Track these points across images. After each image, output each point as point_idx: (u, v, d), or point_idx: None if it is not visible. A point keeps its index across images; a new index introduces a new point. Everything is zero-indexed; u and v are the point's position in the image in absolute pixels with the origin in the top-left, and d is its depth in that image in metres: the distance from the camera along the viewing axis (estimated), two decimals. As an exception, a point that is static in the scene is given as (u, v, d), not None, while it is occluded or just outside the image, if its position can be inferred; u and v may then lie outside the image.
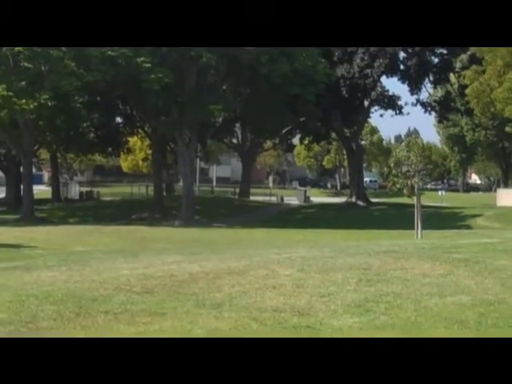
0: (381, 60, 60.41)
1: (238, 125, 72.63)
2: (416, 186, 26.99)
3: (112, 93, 53.08)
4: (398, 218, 46.21)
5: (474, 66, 53.72)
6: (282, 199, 77.15)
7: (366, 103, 67.40)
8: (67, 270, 13.19)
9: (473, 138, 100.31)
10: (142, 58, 42.90)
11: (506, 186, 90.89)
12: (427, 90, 72.58)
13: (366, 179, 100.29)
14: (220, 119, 62.20)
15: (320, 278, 11.10)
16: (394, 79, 65.75)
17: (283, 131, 68.75)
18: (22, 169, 54.49)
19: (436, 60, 66.70)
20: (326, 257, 14.11)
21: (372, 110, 70.92)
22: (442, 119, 79.48)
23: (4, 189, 73.36)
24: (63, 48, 42.92)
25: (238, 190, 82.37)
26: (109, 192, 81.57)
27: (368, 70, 60.64)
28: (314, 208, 68.50)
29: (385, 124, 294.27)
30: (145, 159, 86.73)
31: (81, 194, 77.98)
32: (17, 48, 41.91)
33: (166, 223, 46.55)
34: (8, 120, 46.82)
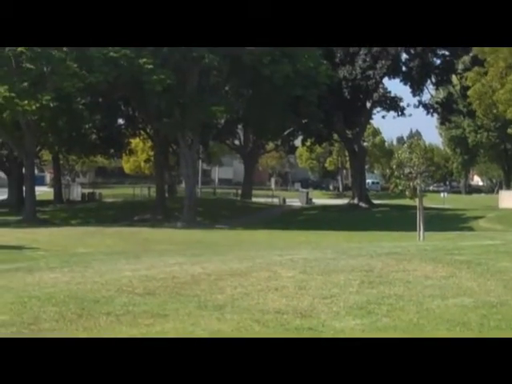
0: (383, 61, 60.41)
1: (240, 126, 72.65)
2: (418, 188, 26.98)
3: (114, 94, 53.13)
4: (400, 220, 46.25)
5: (476, 68, 53.69)
6: (284, 201, 77.13)
7: (368, 105, 67.40)
8: (69, 271, 13.19)
9: (475, 139, 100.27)
10: (144, 60, 42.92)
11: (509, 187, 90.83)
12: (429, 92, 72.61)
13: (368, 181, 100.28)
14: (222, 120, 62.23)
15: (322, 280, 11.10)
16: (396, 81, 65.79)
17: (285, 133, 68.72)
18: (24, 170, 54.53)
19: (438, 61, 66.72)
20: (329, 258, 14.10)
21: (374, 111, 70.96)
22: (444, 121, 79.40)
23: (6, 190, 73.38)
24: (65, 49, 42.97)
25: (240, 192, 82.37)
26: (111, 193, 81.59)
27: (370, 72, 60.64)
28: (316, 210, 68.49)
29: (387, 125, 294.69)
30: (147, 161, 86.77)
31: (83, 195, 78.02)
32: (19, 49, 41.94)
33: (168, 225, 46.54)
34: (10, 121, 46.87)
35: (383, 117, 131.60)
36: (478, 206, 68.14)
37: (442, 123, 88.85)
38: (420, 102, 68.41)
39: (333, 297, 9.70)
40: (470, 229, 44.37)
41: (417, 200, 27.44)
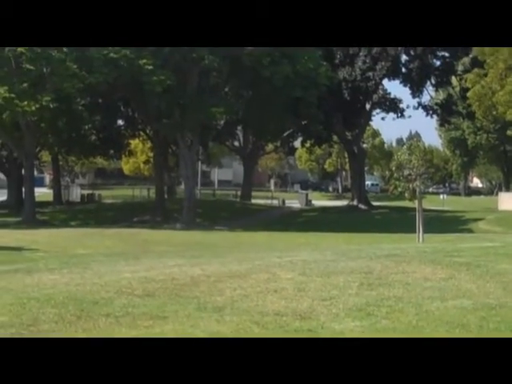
0: (383, 63, 60.46)
1: (239, 127, 72.65)
2: (417, 190, 26.98)
3: (114, 95, 53.17)
4: (399, 222, 46.25)
5: (475, 69, 53.69)
6: (284, 202, 77.13)
7: (368, 106, 67.45)
8: (68, 272, 13.19)
9: (474, 141, 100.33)
10: (144, 60, 42.92)
11: (508, 189, 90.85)
12: (429, 93, 72.65)
13: (368, 182, 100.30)
14: (222, 122, 62.25)
15: (321, 282, 11.10)
16: (396, 82, 65.73)
17: (285, 134, 68.75)
18: (23, 171, 54.54)
19: (438, 63, 66.78)
20: (328, 260, 14.11)
21: (374, 113, 71.03)
22: (443, 122, 79.45)
23: (5, 191, 73.39)
24: (65, 50, 42.99)
25: (239, 193, 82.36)
26: (110, 195, 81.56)
27: (370, 73, 60.69)
28: (315, 211, 68.51)
29: (386, 127, 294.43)
30: (146, 162, 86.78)
31: (82, 196, 78.02)
32: (19, 50, 41.96)
33: (168, 226, 46.54)
34: (10, 122, 46.86)
35: (383, 118, 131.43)
36: (477, 208, 68.19)
37: (441, 125, 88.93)
38: (419, 104, 68.52)
39: (332, 299, 9.70)
40: (470, 231, 44.36)
41: (416, 202, 27.43)
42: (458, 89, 67.16)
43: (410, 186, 26.83)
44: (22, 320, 8.45)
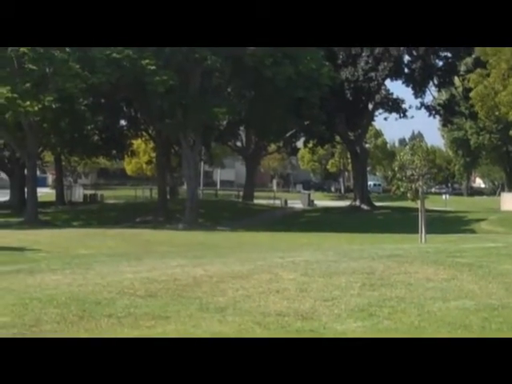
0: (385, 63, 60.46)
1: (242, 128, 72.64)
2: (420, 190, 26.96)
3: (116, 95, 53.16)
4: (401, 222, 46.21)
5: (478, 70, 53.66)
6: (286, 203, 77.10)
7: (371, 106, 67.44)
8: (71, 273, 13.19)
9: (477, 141, 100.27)
10: (147, 61, 42.91)
11: (511, 190, 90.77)
12: (431, 94, 72.57)
13: (370, 183, 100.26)
14: (224, 122, 62.21)
15: (324, 282, 11.10)
16: (399, 82, 65.80)
17: (287, 134, 68.72)
18: (26, 171, 54.55)
19: (440, 63, 66.76)
20: (330, 261, 14.11)
21: (376, 113, 71.05)
22: (446, 123, 79.39)
23: (8, 191, 73.43)
24: (68, 50, 43.01)
25: (241, 194, 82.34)
26: (113, 195, 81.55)
27: (372, 73, 60.67)
28: (317, 211, 68.49)
29: (389, 127, 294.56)
30: (149, 162, 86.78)
31: (85, 196, 78.03)
32: (21, 50, 41.98)
33: (170, 226, 46.53)
34: (12, 122, 46.87)
35: (385, 118, 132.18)
36: (479, 209, 68.16)
37: (444, 125, 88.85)
38: (422, 104, 68.50)
39: (334, 299, 9.70)
40: (472, 231, 44.34)
41: (418, 202, 27.41)
42: (460, 89, 67.07)
43: (413, 186, 26.81)
44: (25, 320, 8.46)
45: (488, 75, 51.83)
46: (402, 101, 67.67)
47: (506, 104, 50.51)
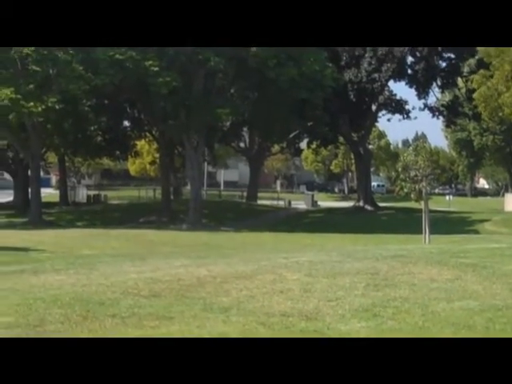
0: (388, 64, 60.39)
1: (245, 129, 72.58)
2: (424, 191, 26.94)
3: (120, 96, 53.20)
4: (405, 223, 46.19)
5: (481, 71, 53.58)
6: (290, 203, 77.08)
7: (374, 107, 67.36)
8: (75, 273, 13.21)
9: (480, 142, 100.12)
10: (150, 62, 42.94)
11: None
12: (435, 95, 72.58)
13: (374, 183, 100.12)
14: (228, 123, 62.21)
15: (327, 283, 11.10)
16: (402, 83, 65.82)
17: (291, 135, 68.68)
18: (29, 172, 54.57)
19: (444, 64, 66.71)
20: (334, 261, 14.10)
21: (379, 114, 70.92)
22: (449, 124, 79.34)
23: (12, 192, 73.47)
24: (71, 51, 43.05)
25: (245, 194, 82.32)
26: (116, 195, 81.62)
27: (376, 75, 60.62)
28: (321, 212, 68.46)
29: (392, 128, 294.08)
30: (152, 163, 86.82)
31: (88, 197, 78.09)
32: (25, 51, 42.04)
33: (174, 227, 46.54)
34: (16, 123, 46.88)
35: (389, 120, 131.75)
36: (483, 209, 68.08)
37: (447, 126, 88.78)
38: (425, 105, 68.43)
39: (338, 299, 9.71)
40: (476, 232, 44.31)
41: (422, 203, 27.40)
42: (463, 90, 66.99)
43: (416, 187, 26.79)
44: (29, 320, 8.47)
45: (491, 76, 51.75)
46: (406, 102, 67.66)
47: (510, 105, 50.42)
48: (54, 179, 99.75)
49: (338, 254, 16.46)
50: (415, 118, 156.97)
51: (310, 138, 69.65)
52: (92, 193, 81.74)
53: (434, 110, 69.37)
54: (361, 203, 68.03)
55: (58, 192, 77.01)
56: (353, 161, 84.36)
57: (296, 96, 47.60)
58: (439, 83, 67.64)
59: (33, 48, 41.71)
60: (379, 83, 61.81)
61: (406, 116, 67.71)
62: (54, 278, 12.51)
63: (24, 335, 7.71)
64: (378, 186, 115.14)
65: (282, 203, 77.45)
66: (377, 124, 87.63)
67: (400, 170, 28.02)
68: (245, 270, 12.85)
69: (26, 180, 62.38)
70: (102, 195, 78.96)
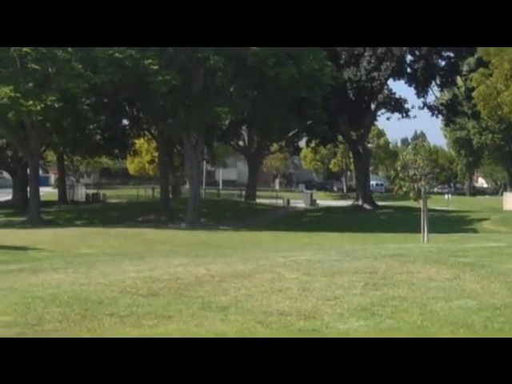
0: (388, 63, 60.37)
1: (244, 127, 72.57)
2: (422, 190, 26.96)
3: (119, 95, 53.14)
4: (404, 222, 46.18)
5: (480, 69, 53.56)
6: (289, 202, 77.09)
7: (373, 106, 67.33)
8: (73, 272, 13.21)
9: (480, 141, 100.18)
10: (150, 60, 42.91)
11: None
12: (434, 93, 72.51)
13: (373, 182, 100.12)
14: (227, 122, 62.19)
15: (326, 282, 11.10)
16: (401, 82, 65.77)
17: (290, 134, 68.63)
18: (28, 171, 54.56)
19: (443, 63, 66.65)
20: (333, 260, 14.11)
21: (379, 113, 70.86)
22: (448, 122, 79.30)
23: (11, 191, 73.44)
24: (70, 50, 43.02)
25: (244, 193, 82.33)
26: (115, 194, 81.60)
27: (375, 73, 60.60)
28: (320, 211, 68.46)
29: (391, 127, 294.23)
30: (151, 161, 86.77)
31: (87, 196, 78.03)
32: (24, 49, 42.01)
33: (173, 226, 46.54)
34: (15, 121, 46.91)
35: (388, 118, 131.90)
36: (482, 208, 68.11)
37: (446, 125, 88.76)
38: (425, 104, 68.36)
39: (337, 298, 9.71)
40: (474, 231, 44.31)
41: (421, 202, 27.43)
42: (463, 89, 66.95)
43: (415, 185, 26.81)
44: (27, 319, 8.47)
45: (491, 75, 51.76)
46: (405, 100, 67.60)
47: (509, 104, 50.42)
48: (52, 178, 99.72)
49: (337, 252, 16.47)
50: (414, 116, 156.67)
51: (309, 136, 69.58)
52: (91, 191, 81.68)
53: (433, 109, 69.35)
54: (359, 202, 68.03)
55: (56, 191, 76.96)
56: (352, 160, 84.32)
57: (295, 95, 47.59)
58: (438, 82, 67.62)
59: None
60: (378, 82, 61.79)
61: (405, 115, 67.70)
62: (53, 276, 12.52)
63: (22, 334, 7.71)
64: (377, 184, 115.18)
65: (280, 202, 77.46)
66: (376, 123, 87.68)
67: (399, 168, 28.05)
68: (243, 268, 12.86)
69: (24, 179, 62.34)
70: (101, 194, 78.93)
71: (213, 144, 70.07)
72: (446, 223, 45.83)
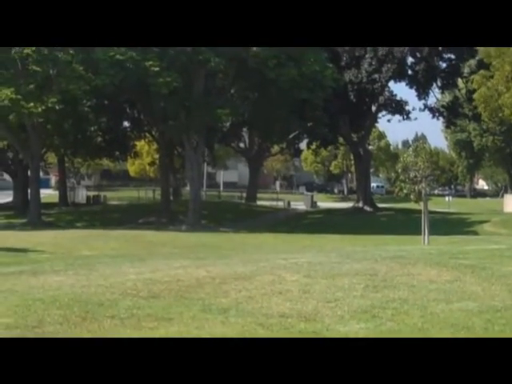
0: (389, 65, 60.38)
1: (245, 129, 72.59)
2: (423, 192, 26.94)
3: (120, 97, 53.14)
4: (404, 224, 46.16)
5: (481, 71, 53.54)
6: (289, 204, 77.08)
7: (374, 108, 67.32)
8: (74, 274, 13.21)
9: (480, 143, 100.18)
10: (151, 62, 42.92)
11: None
12: (435, 95, 72.56)
13: (373, 184, 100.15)
14: (227, 123, 62.19)
15: (326, 284, 11.10)
16: (402, 84, 65.72)
17: (290, 136, 68.65)
18: (29, 173, 54.55)
19: (444, 65, 66.66)
20: (333, 262, 14.10)
21: (379, 114, 70.81)
22: (449, 124, 79.35)
23: (11, 193, 73.43)
24: (71, 52, 43.06)
25: (244, 195, 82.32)
26: (116, 196, 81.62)
27: (376, 75, 60.61)
28: (320, 213, 68.45)
29: (392, 129, 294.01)
30: (152, 163, 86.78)
31: (88, 198, 78.07)
32: (25, 51, 42.04)
33: (173, 228, 46.54)
34: (16, 123, 46.89)
35: (389, 120, 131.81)
36: (482, 210, 68.09)
37: (447, 127, 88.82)
38: (425, 106, 68.40)
39: (337, 300, 9.70)
40: (475, 233, 44.32)
41: (422, 204, 27.40)
42: (464, 91, 66.96)
43: (416, 187, 26.79)
44: (27, 321, 8.47)
45: (491, 77, 51.74)
46: (406, 102, 67.57)
47: (510, 106, 50.39)
48: (53, 180, 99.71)
49: (337, 255, 16.46)
50: (415, 118, 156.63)
51: (310, 138, 69.58)
52: (91, 193, 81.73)
53: (434, 111, 69.35)
54: (360, 204, 68.01)
55: (57, 193, 76.95)
56: (352, 161, 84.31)
57: (296, 96, 47.58)
58: (439, 84, 67.63)
59: (33, 48, 41.74)
60: (379, 84, 61.80)
61: (405, 117, 67.68)
62: (53, 278, 12.52)
63: (22, 336, 7.71)
64: (378, 186, 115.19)
65: (281, 204, 77.45)
66: (377, 125, 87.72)
67: (400, 170, 28.02)
68: (244, 270, 12.85)
69: (25, 181, 62.31)
70: (102, 196, 78.97)
71: (213, 146, 70.09)
72: (446, 225, 45.81)
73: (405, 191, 27.42)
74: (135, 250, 27.86)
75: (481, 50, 51.80)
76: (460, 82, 67.54)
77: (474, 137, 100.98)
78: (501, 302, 9.61)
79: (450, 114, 69.71)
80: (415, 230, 29.60)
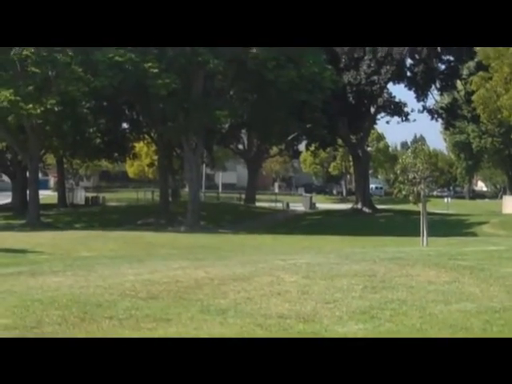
0: (387, 67, 60.42)
1: (244, 131, 72.60)
2: (422, 193, 26.94)
3: (119, 98, 53.14)
4: (403, 225, 46.17)
5: (480, 72, 53.58)
6: (288, 205, 77.08)
7: (373, 110, 67.34)
8: (72, 275, 13.21)
9: (479, 145, 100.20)
10: (149, 64, 42.96)
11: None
12: (434, 97, 72.48)
13: (372, 186, 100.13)
14: (226, 125, 62.18)
15: (325, 285, 11.10)
16: (401, 86, 65.81)
17: (289, 137, 68.69)
18: (28, 174, 54.56)
19: (443, 67, 66.76)
20: (332, 263, 14.10)
21: (378, 116, 70.83)
22: (448, 126, 79.40)
23: (10, 194, 73.42)
24: (70, 53, 43.07)
25: (243, 196, 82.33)
26: (114, 197, 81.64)
27: (375, 77, 60.65)
28: (319, 214, 68.45)
29: (391, 131, 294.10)
30: (151, 165, 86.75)
31: (86, 199, 78.08)
32: (24, 53, 42.06)
33: (172, 229, 46.55)
34: (15, 125, 46.94)
35: (387, 122, 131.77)
36: (481, 212, 68.10)
37: (446, 128, 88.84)
38: (424, 107, 68.44)
39: (336, 301, 9.70)
40: (474, 234, 44.33)
41: (420, 205, 27.41)
42: (462, 93, 67.00)
43: (415, 189, 26.79)
44: (26, 322, 8.47)
45: (490, 78, 51.77)
46: (405, 104, 67.58)
47: (509, 107, 50.43)
48: (52, 181, 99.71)
49: (336, 256, 16.47)
50: (414, 120, 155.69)
51: (309, 140, 69.60)
52: (90, 195, 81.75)
53: (432, 113, 69.40)
54: (359, 205, 68.00)
55: (56, 194, 76.97)
56: (351, 163, 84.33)
57: (295, 98, 47.62)
58: (438, 86, 67.70)
59: (32, 50, 41.79)
60: (378, 85, 61.82)
61: (404, 118, 67.70)
62: (52, 279, 12.51)
63: (21, 336, 7.70)
64: (377, 188, 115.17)
65: (280, 205, 77.46)
66: (375, 126, 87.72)
67: (398, 172, 28.02)
68: (242, 272, 12.85)
69: (24, 182, 62.34)
70: (101, 197, 79.00)
71: (212, 147, 70.06)
72: (445, 226, 45.84)
73: (404, 192, 27.42)
74: (134, 251, 27.84)
75: (479, 51, 51.86)
76: (459, 83, 67.60)
77: (473, 138, 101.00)
78: (499, 302, 9.62)
79: (449, 115, 69.77)
80: (414, 232, 29.60)
